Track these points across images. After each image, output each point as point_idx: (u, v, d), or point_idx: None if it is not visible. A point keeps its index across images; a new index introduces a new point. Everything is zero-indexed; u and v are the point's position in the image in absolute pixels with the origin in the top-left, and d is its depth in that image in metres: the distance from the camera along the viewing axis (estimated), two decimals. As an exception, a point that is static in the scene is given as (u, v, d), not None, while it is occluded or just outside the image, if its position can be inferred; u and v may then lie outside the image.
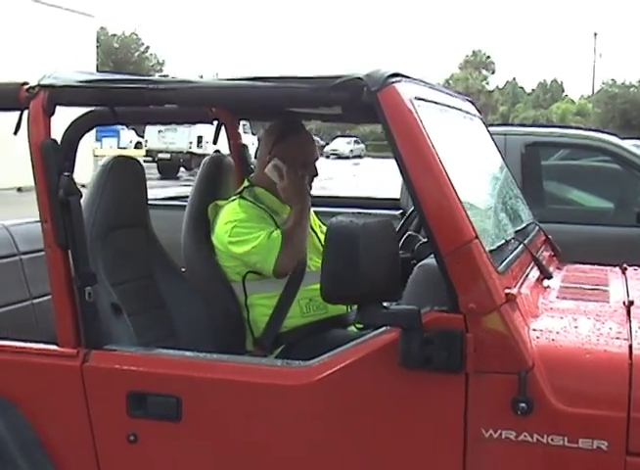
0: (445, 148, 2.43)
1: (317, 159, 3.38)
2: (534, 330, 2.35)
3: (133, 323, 2.93)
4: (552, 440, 2.22)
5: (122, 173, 3.10)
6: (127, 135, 35.71)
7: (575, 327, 2.44)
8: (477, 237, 2.30)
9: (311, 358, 2.42)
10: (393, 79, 2.39)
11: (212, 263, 3.28)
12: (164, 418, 2.53)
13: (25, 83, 2.68)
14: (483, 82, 72.11)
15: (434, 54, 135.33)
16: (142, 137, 35.75)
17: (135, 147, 34.71)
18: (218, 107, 3.22)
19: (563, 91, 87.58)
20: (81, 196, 2.66)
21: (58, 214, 2.58)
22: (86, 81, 2.67)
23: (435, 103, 2.72)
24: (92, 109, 3.45)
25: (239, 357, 2.57)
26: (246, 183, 3.45)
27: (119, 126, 32.30)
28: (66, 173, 2.61)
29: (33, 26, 23.58)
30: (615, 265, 3.49)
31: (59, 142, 2.67)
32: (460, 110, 3.21)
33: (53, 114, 2.66)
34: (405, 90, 2.41)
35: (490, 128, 6.77)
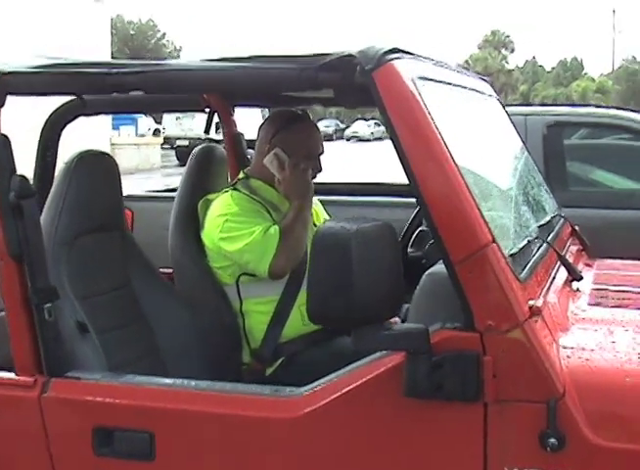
0: (455, 134, 2.07)
1: (322, 153, 3.02)
2: (565, 348, 1.99)
3: (107, 341, 2.59)
4: (588, 480, 1.85)
5: (90, 171, 2.74)
6: (145, 122, 35.46)
7: (613, 342, 2.08)
8: (494, 240, 1.93)
9: (312, 376, 2.08)
10: (391, 56, 2.02)
11: (202, 265, 2.95)
12: (135, 457, 2.18)
13: None
14: (503, 62, 71.22)
15: (452, 34, 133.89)
16: (159, 124, 35.50)
17: (153, 134, 34.46)
18: (187, 92, 2.86)
19: (583, 69, 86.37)
20: (37, 198, 2.32)
21: (9, 220, 2.25)
22: (41, 67, 2.33)
23: (444, 83, 2.36)
24: (72, 98, 3.14)
25: (220, 385, 2.22)
26: (241, 175, 3.11)
27: (136, 114, 32.18)
28: (18, 174, 2.27)
29: (46, 13, 23.44)
30: None
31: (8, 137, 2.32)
32: (474, 90, 2.84)
33: (3, 104, 2.32)
34: (405, 68, 2.04)
35: (510, 109, 6.39)
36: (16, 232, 2.25)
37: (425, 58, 2.31)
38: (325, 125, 55.32)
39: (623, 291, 2.58)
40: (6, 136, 2.30)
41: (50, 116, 3.23)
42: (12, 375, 2.31)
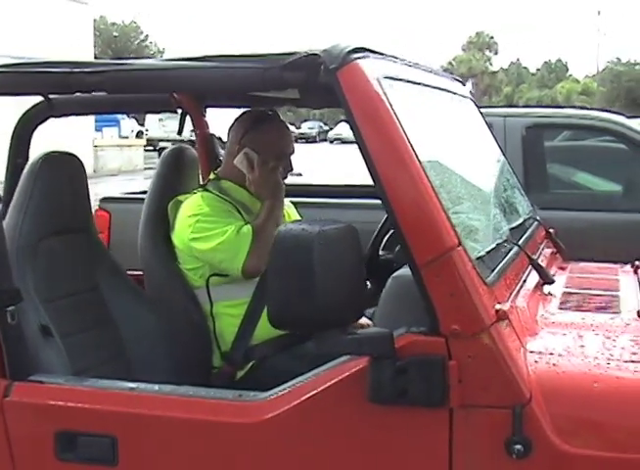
0: (422, 135, 2.04)
1: (293, 152, 2.99)
2: (532, 352, 1.95)
3: (72, 345, 2.55)
4: (554, 488, 1.81)
5: (55, 172, 2.69)
6: (128, 124, 35.31)
7: (582, 347, 2.04)
8: (459, 244, 1.90)
9: (284, 379, 2.04)
10: (356, 55, 1.98)
11: (172, 267, 2.90)
12: (98, 462, 2.13)
13: None
14: (487, 63, 71.35)
15: (437, 36, 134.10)
16: (143, 126, 35.30)
17: (136, 136, 34.32)
18: (151, 92, 2.82)
19: (567, 71, 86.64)
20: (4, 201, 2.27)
21: None
22: (5, 66, 2.29)
23: (414, 83, 2.32)
24: (42, 99, 3.09)
25: (183, 389, 2.17)
26: (211, 176, 3.08)
27: (119, 115, 32.01)
28: None
29: (29, 15, 23.31)
30: (626, 262, 3.08)
31: None
32: (448, 91, 2.80)
33: None
34: (371, 68, 2.00)
35: (489, 110, 6.37)
36: None
37: (394, 57, 2.27)
38: (309, 127, 55.23)
39: (595, 294, 2.55)
40: None
41: (20, 118, 3.19)
42: None
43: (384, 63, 2.14)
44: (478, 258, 2.01)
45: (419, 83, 2.39)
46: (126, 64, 2.22)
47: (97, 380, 2.27)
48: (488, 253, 2.15)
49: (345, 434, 1.96)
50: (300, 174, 16.69)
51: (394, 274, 2.08)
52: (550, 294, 2.45)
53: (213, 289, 2.88)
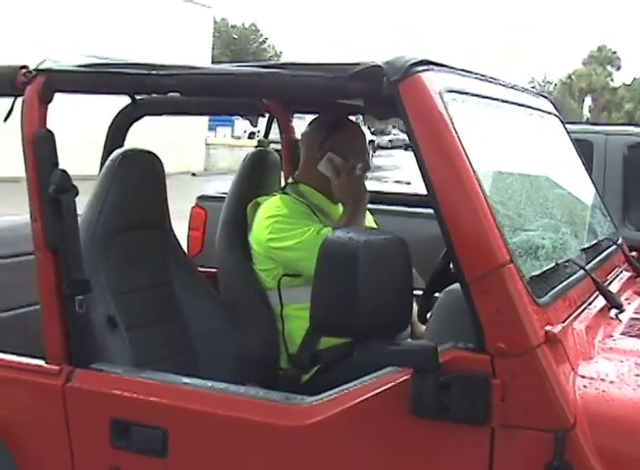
0: (485, 150, 2.02)
1: (369, 153, 3.00)
2: (583, 377, 1.91)
3: (139, 337, 2.62)
4: (594, 517, 1.77)
5: (133, 169, 2.78)
6: (242, 125, 35.89)
7: (636, 375, 1.98)
8: (511, 261, 1.87)
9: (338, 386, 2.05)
10: (419, 68, 1.98)
11: (246, 268, 2.96)
12: (149, 453, 2.20)
13: (25, 67, 2.42)
14: (607, 79, 69.53)
15: (557, 49, 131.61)
16: (255, 127, 35.85)
17: (249, 137, 34.83)
18: (221, 96, 2.88)
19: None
20: (77, 193, 2.37)
21: (48, 213, 2.31)
22: (86, 66, 2.38)
23: (482, 97, 2.30)
24: (141, 97, 3.20)
25: (234, 388, 2.21)
26: (290, 180, 3.13)
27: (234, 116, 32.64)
28: (59, 168, 2.32)
29: (151, 17, 23.97)
30: None
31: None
32: (526, 106, 2.76)
33: (50, 101, 2.39)
34: (434, 81, 2.00)
35: (591, 128, 6.21)
36: (53, 225, 2.31)
37: (463, 70, 2.26)
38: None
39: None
40: (49, 131, 2.36)
41: (116, 116, 3.31)
42: (42, 362, 2.37)
43: (448, 76, 2.13)
44: (532, 277, 1.98)
45: (489, 97, 2.37)
46: (200, 68, 2.29)
47: (154, 372, 2.33)
48: (546, 272, 2.11)
49: (386, 444, 1.97)
50: (409, 183, 16.59)
51: (448, 288, 2.07)
52: (617, 318, 2.38)
53: (285, 291, 2.91)
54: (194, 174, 24.52)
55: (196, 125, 25.21)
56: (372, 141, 32.06)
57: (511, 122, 2.57)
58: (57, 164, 2.35)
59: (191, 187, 13.83)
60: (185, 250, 5.82)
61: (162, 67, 2.29)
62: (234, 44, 52.38)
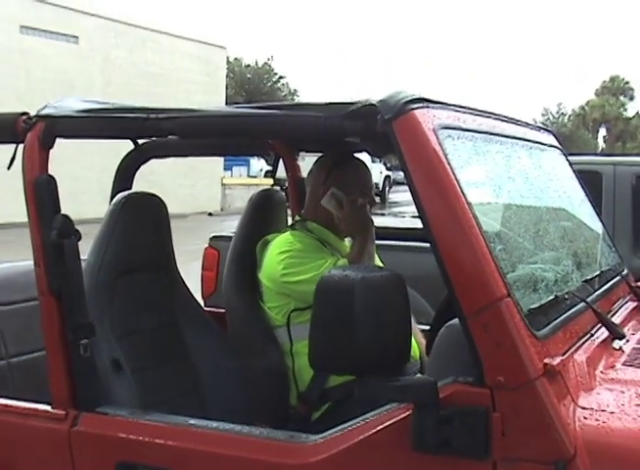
0: (481, 185, 2.04)
1: (373, 187, 3.04)
2: (583, 408, 1.91)
3: (145, 379, 2.64)
4: None
5: (137, 211, 2.82)
6: (257, 164, 36.09)
7: (637, 406, 1.97)
8: (509, 294, 1.89)
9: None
10: (413, 105, 2.02)
11: (254, 306, 2.97)
12: None
13: (25, 113, 2.46)
14: (621, 109, 69.47)
15: (569, 80, 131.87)
16: (271, 166, 35.92)
17: (265, 176, 34.98)
18: (218, 137, 2.92)
19: None
20: (80, 238, 2.40)
21: (51, 258, 2.34)
22: (85, 111, 2.43)
23: (479, 132, 2.33)
24: (147, 141, 3.25)
25: (239, 428, 2.22)
26: (297, 218, 3.16)
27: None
28: (61, 213, 2.36)
29: (165, 59, 24.27)
30: None
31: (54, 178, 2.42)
32: (526, 140, 2.79)
33: (52, 146, 2.43)
34: (428, 117, 2.03)
35: (599, 159, 6.22)
36: (56, 270, 2.33)
37: (459, 107, 2.29)
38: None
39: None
40: (51, 176, 2.40)
41: (123, 159, 3.36)
42: (48, 407, 2.38)
43: (443, 112, 2.15)
44: (531, 310, 1.99)
45: (487, 133, 2.40)
46: (198, 111, 2.33)
47: (159, 414, 2.34)
48: (546, 305, 2.13)
49: None
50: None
51: (448, 323, 2.08)
52: (619, 349, 2.38)
53: (294, 328, 2.92)
54: (210, 214, 24.69)
55: (212, 166, 25.39)
56: (388, 176, 32.12)
57: (510, 157, 2.60)
58: (59, 209, 2.38)
59: (207, 227, 13.90)
60: (200, 290, 5.88)
61: (161, 110, 2.33)
62: (248, 83, 52.68)
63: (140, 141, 3.21)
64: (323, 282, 1.87)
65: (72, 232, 2.37)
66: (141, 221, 2.82)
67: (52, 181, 2.39)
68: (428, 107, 2.07)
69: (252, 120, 2.22)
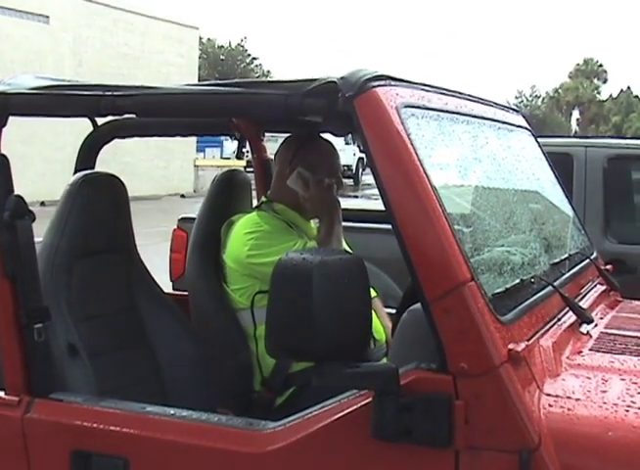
0: (445, 165, 1.98)
1: (340, 168, 2.98)
2: (548, 395, 1.87)
3: (102, 364, 2.57)
4: None
5: (96, 191, 2.73)
6: (231, 146, 35.89)
7: (603, 392, 1.94)
8: (472, 279, 1.83)
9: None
10: (375, 83, 1.95)
11: (217, 289, 2.91)
12: None
13: None
14: (594, 92, 69.76)
15: (544, 62, 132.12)
16: (244, 147, 35.74)
17: (237, 157, 34.78)
18: (177, 116, 2.84)
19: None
20: (33, 219, 2.32)
21: (4, 240, 2.26)
22: (41, 88, 2.34)
23: (443, 111, 2.26)
24: (113, 119, 3.16)
25: (196, 415, 2.15)
26: (263, 199, 3.09)
27: (223, 137, 32.58)
28: (14, 194, 2.28)
29: (136, 39, 24.02)
30: None
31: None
32: (494, 120, 2.73)
33: (4, 125, 2.35)
34: (391, 96, 1.96)
35: (572, 141, 6.20)
36: (9, 252, 2.26)
37: (423, 85, 2.22)
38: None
39: (634, 336, 2.42)
40: (4, 156, 2.32)
41: (86, 138, 3.27)
42: (1, 393, 2.32)
43: (407, 91, 2.09)
44: (495, 295, 1.94)
45: (453, 112, 2.33)
46: (155, 88, 2.24)
47: (115, 401, 2.27)
48: (510, 289, 2.07)
49: (352, 467, 1.91)
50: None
51: (411, 308, 2.03)
52: (587, 334, 2.34)
53: (258, 311, 2.86)
54: (183, 196, 24.52)
55: (185, 147, 25.22)
56: (361, 158, 32.01)
57: (477, 137, 2.53)
58: (12, 189, 2.31)
59: (181, 208, 13.80)
60: (168, 272, 5.81)
61: (119, 88, 2.25)
62: (221, 65, 52.38)
63: (101, 120, 3.12)
64: (281, 265, 1.81)
65: (26, 213, 2.29)
66: (99, 202, 2.74)
67: (5, 161, 2.31)
68: (390, 85, 2.00)
69: (212, 98, 2.15)
